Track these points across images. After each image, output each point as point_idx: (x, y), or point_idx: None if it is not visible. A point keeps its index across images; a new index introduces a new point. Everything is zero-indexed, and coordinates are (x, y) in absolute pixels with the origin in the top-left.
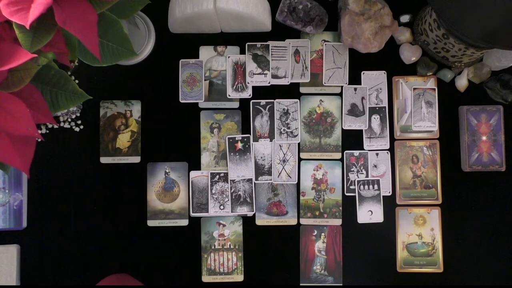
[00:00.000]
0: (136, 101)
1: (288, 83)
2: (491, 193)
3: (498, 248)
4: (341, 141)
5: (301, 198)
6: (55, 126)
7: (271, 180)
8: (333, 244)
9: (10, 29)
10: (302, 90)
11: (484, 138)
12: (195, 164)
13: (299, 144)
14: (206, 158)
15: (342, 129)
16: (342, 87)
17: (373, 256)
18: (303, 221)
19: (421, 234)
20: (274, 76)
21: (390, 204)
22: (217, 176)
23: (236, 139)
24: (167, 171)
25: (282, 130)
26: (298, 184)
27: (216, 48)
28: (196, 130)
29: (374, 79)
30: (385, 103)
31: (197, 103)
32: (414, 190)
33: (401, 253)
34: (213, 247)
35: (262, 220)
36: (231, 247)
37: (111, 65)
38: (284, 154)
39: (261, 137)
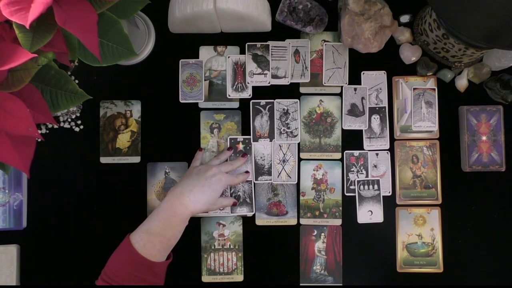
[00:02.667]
0: (136, 101)
1: (288, 83)
2: (491, 193)
3: (498, 248)
4: (341, 141)
5: (301, 198)
6: (55, 126)
7: (271, 180)
8: (333, 244)
9: (10, 29)
10: (302, 90)
11: (484, 138)
12: None
13: (299, 144)
14: (206, 158)
15: (342, 129)
16: (342, 87)
17: (373, 256)
18: (303, 221)
19: (421, 234)
20: (274, 76)
21: (390, 204)
22: None
23: (238, 140)
24: (167, 171)
25: (282, 130)
26: (298, 184)
27: (216, 48)
28: (196, 130)
29: (374, 79)
30: (385, 103)
31: (197, 103)
32: (414, 190)
33: (401, 253)
34: (213, 247)
35: (262, 220)
36: (231, 247)
37: (111, 65)
38: (284, 154)
39: (261, 137)
